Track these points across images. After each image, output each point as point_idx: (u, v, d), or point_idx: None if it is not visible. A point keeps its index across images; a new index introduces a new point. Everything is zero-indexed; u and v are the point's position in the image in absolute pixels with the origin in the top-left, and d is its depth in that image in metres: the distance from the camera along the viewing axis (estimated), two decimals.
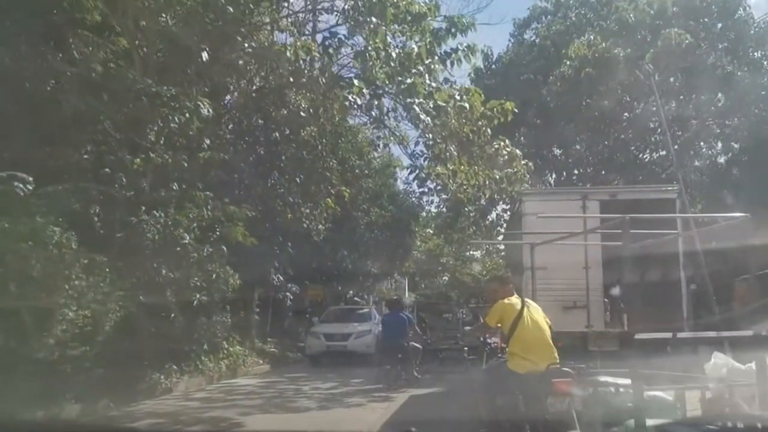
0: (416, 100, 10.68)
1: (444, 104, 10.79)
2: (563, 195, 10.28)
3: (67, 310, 8.34)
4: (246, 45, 10.67)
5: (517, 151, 12.32)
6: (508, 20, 43.44)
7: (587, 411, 4.78)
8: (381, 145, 20.07)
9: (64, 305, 8.19)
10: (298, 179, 16.64)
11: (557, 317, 8.66)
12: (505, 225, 27.96)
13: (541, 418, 4.85)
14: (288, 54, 11.37)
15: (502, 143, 12.11)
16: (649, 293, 9.90)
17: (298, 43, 13.97)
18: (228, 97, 16.21)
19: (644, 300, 9.98)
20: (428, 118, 10.91)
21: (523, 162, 12.19)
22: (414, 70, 11.22)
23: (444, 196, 25.67)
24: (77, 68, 10.90)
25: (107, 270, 9.67)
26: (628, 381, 4.74)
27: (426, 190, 22.88)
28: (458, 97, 11.06)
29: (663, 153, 24.06)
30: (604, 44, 20.39)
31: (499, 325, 5.66)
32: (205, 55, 10.49)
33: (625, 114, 22.68)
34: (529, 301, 5.86)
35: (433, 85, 11.02)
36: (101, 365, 9.58)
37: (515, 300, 5.71)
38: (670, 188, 9.51)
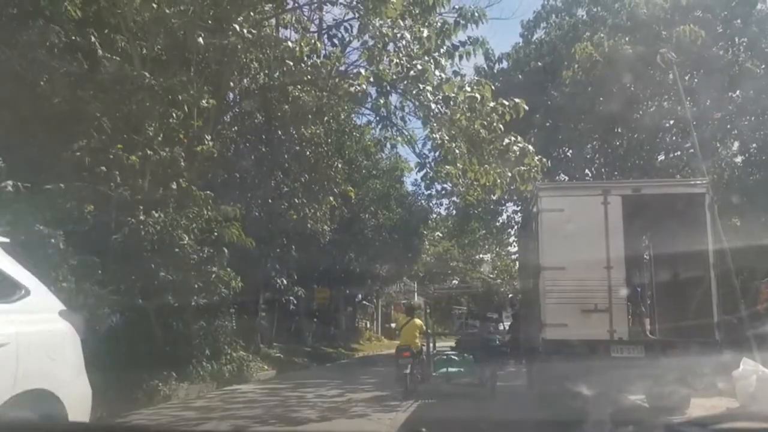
0: (427, 87, 10.18)
1: (453, 95, 10.29)
2: (583, 189, 9.61)
3: None
4: (245, 30, 10.15)
5: (530, 147, 11.77)
6: (519, 16, 42.92)
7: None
8: (388, 146, 19.54)
9: None
10: (302, 179, 16.19)
11: (576, 322, 8.14)
12: (516, 227, 27.44)
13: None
14: (290, 44, 10.87)
15: (513, 138, 11.58)
16: (674, 295, 9.33)
17: (303, 41, 13.60)
18: (230, 94, 15.77)
19: (670, 302, 9.41)
20: (437, 107, 10.40)
21: (536, 158, 11.63)
22: (425, 59, 10.77)
23: (453, 199, 25.24)
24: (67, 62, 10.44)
25: (100, 272, 9.20)
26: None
27: (434, 192, 22.40)
28: (468, 89, 10.55)
29: (677, 154, 23.42)
30: (609, 42, 19.76)
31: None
32: (200, 40, 10.01)
33: (636, 115, 21.98)
34: (414, 319, 12.75)
35: (443, 76, 10.54)
36: (93, 373, 9.07)
37: (404, 317, 13.67)
38: (698, 182, 8.87)
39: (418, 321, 12.62)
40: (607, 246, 8.22)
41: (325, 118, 16.07)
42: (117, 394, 9.29)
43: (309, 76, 14.01)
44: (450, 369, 11.53)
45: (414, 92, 10.83)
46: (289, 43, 11.58)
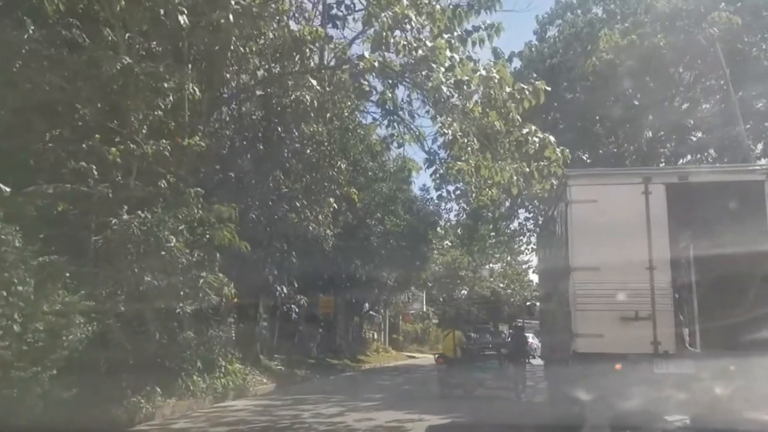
0: (440, 69, 9.12)
1: (467, 78, 9.22)
2: (620, 177, 8.46)
3: (10, 322, 6.84)
4: (232, 2, 9.15)
5: (551, 138, 10.66)
6: (533, 9, 41.98)
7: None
8: (395, 145, 18.36)
9: (3, 316, 6.68)
10: (303, 179, 15.16)
11: (614, 331, 7.04)
12: (528, 234, 26.30)
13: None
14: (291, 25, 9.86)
15: (532, 128, 10.51)
16: (726, 300, 8.17)
17: (305, 29, 12.67)
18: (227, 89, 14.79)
19: (720, 309, 8.25)
20: (449, 91, 9.32)
21: (558, 150, 10.50)
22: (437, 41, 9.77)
23: (463, 205, 24.12)
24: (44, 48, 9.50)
25: (68, 275, 8.18)
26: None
27: (444, 193, 21.29)
28: (484, 72, 9.47)
29: (698, 156, 22.35)
30: (635, 34, 18.75)
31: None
32: (183, 19, 9.00)
33: (660, 112, 20.87)
34: (454, 331, 14.76)
35: (456, 57, 9.48)
36: (64, 389, 8.06)
37: (447, 330, 15.92)
38: (757, 167, 7.76)
39: (457, 333, 14.76)
40: (650, 243, 7.13)
41: (328, 115, 15.04)
42: (92, 411, 8.33)
43: (312, 67, 13.10)
44: (482, 374, 13.38)
45: (424, 74, 9.70)
46: (291, 24, 10.57)
